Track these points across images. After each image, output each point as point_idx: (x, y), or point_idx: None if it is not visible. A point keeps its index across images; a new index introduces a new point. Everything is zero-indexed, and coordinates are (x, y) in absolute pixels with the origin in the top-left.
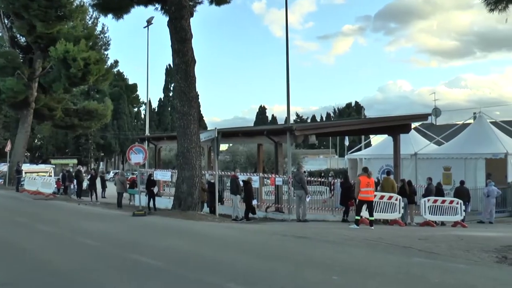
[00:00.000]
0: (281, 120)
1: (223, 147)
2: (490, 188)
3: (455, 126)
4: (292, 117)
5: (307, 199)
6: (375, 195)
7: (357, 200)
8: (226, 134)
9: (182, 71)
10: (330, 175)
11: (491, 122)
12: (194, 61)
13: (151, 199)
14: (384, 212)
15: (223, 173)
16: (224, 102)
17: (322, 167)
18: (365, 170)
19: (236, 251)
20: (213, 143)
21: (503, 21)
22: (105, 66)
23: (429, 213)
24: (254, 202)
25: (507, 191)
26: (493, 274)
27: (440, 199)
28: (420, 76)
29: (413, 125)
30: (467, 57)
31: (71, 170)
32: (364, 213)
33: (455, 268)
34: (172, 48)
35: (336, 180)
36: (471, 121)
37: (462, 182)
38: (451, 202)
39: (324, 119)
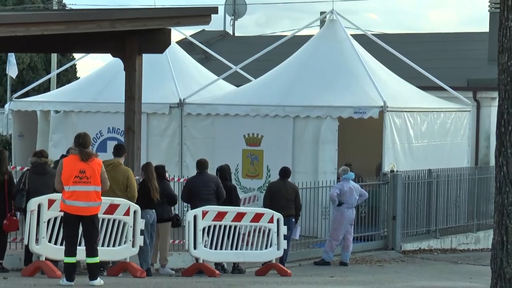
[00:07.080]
0: None
1: None
2: (346, 184)
3: (278, 41)
4: None
5: None
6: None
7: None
8: None
9: None
10: None
11: (354, 36)
12: None
13: None
14: (103, 245)
15: None
16: None
17: None
18: (78, 141)
19: None
20: None
21: None
22: None
23: (205, 245)
24: None
25: (380, 191)
26: None
27: (231, 211)
28: None
29: (177, 34)
30: None
31: None
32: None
33: None
34: None
35: None
36: (314, 31)
37: (284, 173)
38: (258, 218)
39: None
